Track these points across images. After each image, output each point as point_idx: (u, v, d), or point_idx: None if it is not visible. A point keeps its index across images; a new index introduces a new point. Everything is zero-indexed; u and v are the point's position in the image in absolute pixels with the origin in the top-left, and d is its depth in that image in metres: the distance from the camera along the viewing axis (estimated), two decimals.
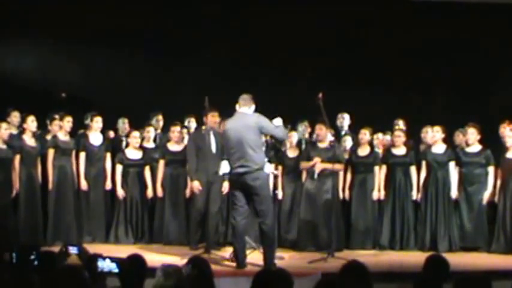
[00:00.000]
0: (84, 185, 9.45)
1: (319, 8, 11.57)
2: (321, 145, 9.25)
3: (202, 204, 8.86)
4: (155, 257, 7.82)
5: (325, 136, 9.18)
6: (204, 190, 8.81)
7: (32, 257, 4.90)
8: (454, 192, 9.25)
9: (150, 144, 9.95)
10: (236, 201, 7.67)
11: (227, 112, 9.30)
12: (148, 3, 11.81)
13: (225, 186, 8.99)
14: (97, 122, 9.63)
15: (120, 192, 9.61)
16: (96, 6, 11.56)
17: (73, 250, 5.24)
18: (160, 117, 10.29)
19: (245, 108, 7.76)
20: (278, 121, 7.84)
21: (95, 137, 9.64)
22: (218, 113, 9.04)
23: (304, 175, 9.39)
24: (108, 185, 9.64)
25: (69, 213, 9.28)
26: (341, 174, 9.35)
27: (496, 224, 9.07)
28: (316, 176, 9.05)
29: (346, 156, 9.53)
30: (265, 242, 7.68)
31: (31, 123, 9.19)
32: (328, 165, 8.82)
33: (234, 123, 7.74)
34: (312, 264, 7.95)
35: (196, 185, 8.88)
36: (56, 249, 5.49)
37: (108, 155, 9.68)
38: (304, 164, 9.26)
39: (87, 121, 9.81)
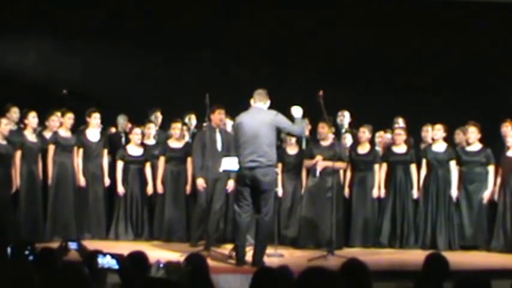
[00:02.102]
0: (82, 181, 9.46)
1: (319, 7, 11.57)
2: (323, 143, 9.26)
3: (206, 202, 8.87)
4: (155, 254, 7.81)
5: (327, 134, 9.20)
6: (208, 187, 8.81)
7: (27, 252, 4.90)
8: (454, 191, 9.26)
9: (150, 141, 9.96)
10: (242, 198, 7.65)
11: (227, 109, 9.33)
12: (148, 0, 11.82)
13: (230, 184, 8.99)
14: (95, 118, 9.62)
15: (121, 189, 9.62)
16: (97, 3, 11.57)
17: (73, 246, 5.24)
18: (158, 113, 10.29)
19: (260, 104, 7.74)
20: (298, 111, 7.82)
21: (93, 133, 9.63)
22: (225, 111, 9.04)
23: (304, 172, 9.40)
24: (106, 182, 9.64)
25: (68, 210, 9.29)
26: (347, 171, 9.40)
27: (496, 223, 9.09)
28: (318, 174, 9.06)
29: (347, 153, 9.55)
30: (259, 237, 7.69)
31: (32, 119, 9.18)
32: (329, 163, 8.83)
33: (250, 118, 7.68)
34: (312, 262, 7.94)
35: (200, 182, 8.87)
36: (54, 245, 5.49)
37: (105, 152, 9.68)
38: (307, 163, 9.27)
39: (86, 117, 9.79)
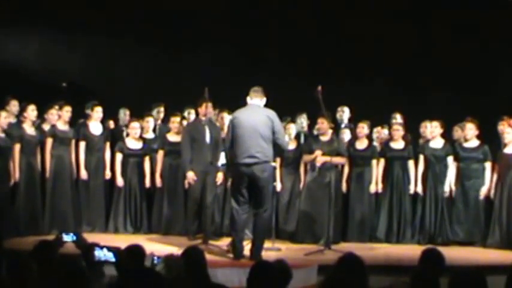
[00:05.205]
0: (84, 174, 9.48)
1: (319, 2, 11.57)
2: (323, 138, 9.27)
3: (198, 195, 8.90)
4: (153, 247, 7.82)
5: (326, 129, 9.21)
6: (199, 180, 8.83)
7: None
8: (447, 187, 9.29)
9: (149, 135, 9.97)
10: (240, 195, 7.64)
11: (227, 104, 9.35)
12: None
13: (219, 177, 9.06)
14: (97, 112, 9.64)
15: (120, 181, 9.63)
16: None
17: (69, 238, 5.26)
18: (162, 108, 10.29)
19: (257, 100, 7.74)
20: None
21: (95, 127, 9.65)
22: (212, 104, 9.10)
23: (302, 167, 9.42)
24: (108, 175, 9.67)
25: (66, 203, 9.30)
26: (345, 166, 9.44)
27: (492, 219, 9.11)
28: (317, 169, 9.07)
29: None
30: (257, 232, 7.70)
31: (31, 112, 9.18)
32: (328, 158, 8.85)
33: (247, 114, 7.67)
34: (309, 256, 7.98)
35: (191, 176, 8.90)
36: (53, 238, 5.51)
37: (108, 145, 9.71)
38: (306, 157, 9.27)
39: (88, 111, 9.81)
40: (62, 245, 5.17)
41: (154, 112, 10.23)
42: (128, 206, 9.67)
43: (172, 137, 9.66)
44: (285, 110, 8.98)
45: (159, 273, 4.01)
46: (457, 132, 9.84)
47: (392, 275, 6.29)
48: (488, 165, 9.26)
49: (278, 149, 8.87)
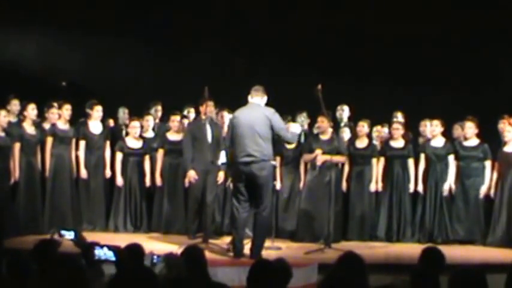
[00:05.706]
0: (84, 173, 9.49)
1: (319, 2, 11.57)
2: (323, 137, 9.28)
3: (199, 194, 8.90)
4: (153, 246, 7.83)
5: (326, 128, 9.21)
6: (200, 179, 8.84)
7: None
8: (447, 185, 9.29)
9: (149, 134, 9.98)
10: (239, 194, 7.66)
11: (226, 102, 9.34)
12: None
13: (220, 176, 9.07)
14: (97, 111, 9.65)
15: (120, 180, 9.64)
16: None
17: (68, 235, 5.25)
18: (159, 107, 10.30)
19: (257, 99, 7.76)
20: (296, 127, 7.89)
21: (95, 126, 9.66)
22: (214, 103, 9.08)
23: (302, 166, 9.42)
24: (108, 174, 9.67)
25: (66, 202, 9.31)
26: (345, 165, 9.43)
27: (492, 217, 9.12)
28: (317, 168, 9.07)
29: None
30: (257, 232, 7.71)
31: (31, 111, 9.19)
32: (328, 157, 8.85)
33: (247, 112, 7.71)
34: (309, 255, 7.99)
35: (192, 174, 8.90)
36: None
37: (108, 144, 9.71)
38: (306, 157, 9.28)
39: (88, 110, 9.80)
40: (61, 242, 5.17)
41: (152, 111, 10.23)
42: (128, 205, 9.68)
43: (172, 136, 9.67)
44: (285, 109, 8.97)
45: (153, 273, 4.00)
46: (457, 131, 9.85)
47: (392, 273, 6.30)
48: (488, 163, 9.26)
49: (279, 147, 8.90)
